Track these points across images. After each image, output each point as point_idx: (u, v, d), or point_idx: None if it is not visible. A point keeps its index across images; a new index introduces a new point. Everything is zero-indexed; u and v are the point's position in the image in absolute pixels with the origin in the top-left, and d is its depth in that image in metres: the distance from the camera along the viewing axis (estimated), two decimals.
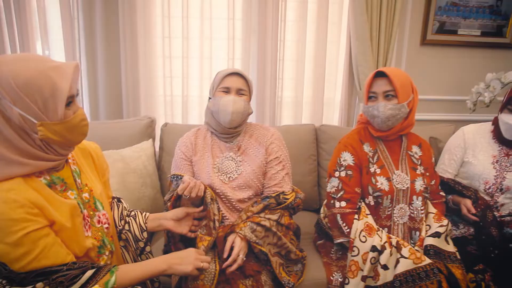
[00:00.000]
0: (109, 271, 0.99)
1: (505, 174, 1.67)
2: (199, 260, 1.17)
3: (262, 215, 1.42)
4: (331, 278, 1.48)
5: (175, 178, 1.47)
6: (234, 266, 1.28)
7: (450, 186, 1.73)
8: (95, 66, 2.27)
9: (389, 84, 1.49)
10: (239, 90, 1.50)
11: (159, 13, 2.30)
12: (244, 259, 1.31)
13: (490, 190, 1.68)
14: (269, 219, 1.41)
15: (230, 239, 1.33)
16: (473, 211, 1.59)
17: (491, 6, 2.64)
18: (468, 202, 1.63)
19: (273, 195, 1.48)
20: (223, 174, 1.52)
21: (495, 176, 1.68)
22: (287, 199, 1.48)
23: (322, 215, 1.69)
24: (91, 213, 1.08)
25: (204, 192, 1.36)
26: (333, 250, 1.59)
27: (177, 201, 1.40)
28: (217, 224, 1.38)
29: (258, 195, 1.55)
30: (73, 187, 1.05)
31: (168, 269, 1.11)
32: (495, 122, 1.73)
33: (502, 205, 1.67)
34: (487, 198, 1.68)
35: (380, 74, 1.51)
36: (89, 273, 0.96)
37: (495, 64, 2.72)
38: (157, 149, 1.98)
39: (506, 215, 1.67)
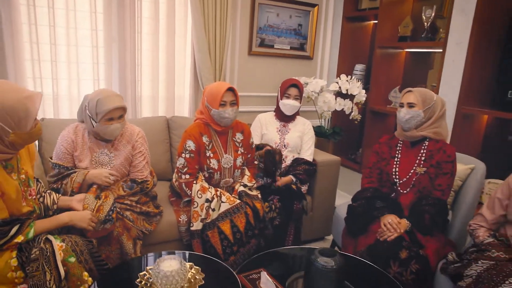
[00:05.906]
0: (29, 226, 1.48)
1: (285, 136, 2.69)
2: (92, 222, 1.71)
3: (127, 197, 2.03)
4: (179, 219, 2.19)
5: (58, 167, 1.96)
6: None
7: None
8: None
9: (234, 95, 2.20)
10: (120, 116, 1.96)
11: (25, 20, 2.53)
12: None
13: (279, 147, 2.64)
14: (131, 200, 2.04)
15: None
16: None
17: (295, 29, 3.64)
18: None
19: (139, 181, 2.08)
20: (99, 166, 2.03)
21: (279, 138, 2.69)
22: (148, 187, 2.12)
23: (174, 180, 2.35)
24: (25, 189, 1.54)
25: None
26: (181, 203, 2.28)
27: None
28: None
29: (124, 177, 2.11)
30: (15, 170, 1.50)
31: (70, 221, 1.64)
32: (276, 109, 2.73)
33: (287, 156, 2.67)
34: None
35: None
36: (14, 229, 1.43)
37: (300, 70, 3.74)
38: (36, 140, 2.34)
39: (290, 164, 2.64)
